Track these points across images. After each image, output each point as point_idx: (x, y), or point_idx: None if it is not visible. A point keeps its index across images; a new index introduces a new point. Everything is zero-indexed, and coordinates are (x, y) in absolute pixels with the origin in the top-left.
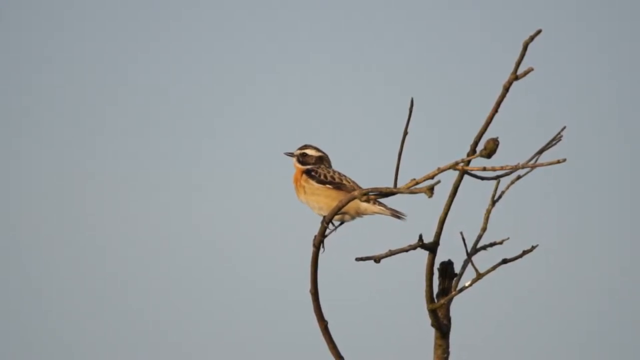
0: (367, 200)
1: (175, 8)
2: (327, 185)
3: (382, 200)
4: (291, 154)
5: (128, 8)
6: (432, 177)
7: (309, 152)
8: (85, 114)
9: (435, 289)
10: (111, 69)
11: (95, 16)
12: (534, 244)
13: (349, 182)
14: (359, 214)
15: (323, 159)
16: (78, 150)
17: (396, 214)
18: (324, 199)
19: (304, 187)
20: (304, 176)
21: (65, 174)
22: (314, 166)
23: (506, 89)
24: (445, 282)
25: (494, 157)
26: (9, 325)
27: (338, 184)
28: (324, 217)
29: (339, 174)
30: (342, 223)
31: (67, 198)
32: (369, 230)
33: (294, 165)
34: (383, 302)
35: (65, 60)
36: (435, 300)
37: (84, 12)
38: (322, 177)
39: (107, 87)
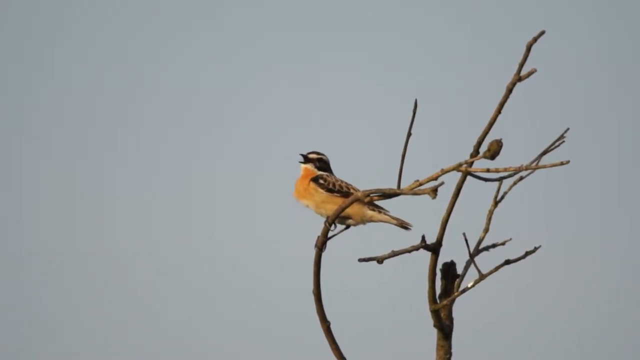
0: (371, 202)
1: (193, 13)
2: (336, 194)
3: (387, 206)
4: (306, 157)
5: (145, 13)
6: (435, 179)
7: (325, 158)
8: (103, 117)
9: (438, 290)
10: (127, 73)
11: (114, 18)
12: (537, 245)
13: (356, 191)
14: (364, 221)
15: (330, 169)
16: (96, 153)
17: (403, 224)
18: (333, 206)
19: (312, 194)
20: (312, 183)
21: (77, 178)
22: (324, 173)
23: (509, 90)
24: (447, 283)
25: (497, 158)
26: (13, 330)
27: (346, 193)
28: (327, 217)
29: (346, 183)
30: (347, 227)
31: (79, 201)
32: (372, 231)
33: (304, 169)
34: (385, 302)
35: (84, 63)
36: (438, 301)
37: (100, 12)
38: (330, 185)
39: (124, 92)
